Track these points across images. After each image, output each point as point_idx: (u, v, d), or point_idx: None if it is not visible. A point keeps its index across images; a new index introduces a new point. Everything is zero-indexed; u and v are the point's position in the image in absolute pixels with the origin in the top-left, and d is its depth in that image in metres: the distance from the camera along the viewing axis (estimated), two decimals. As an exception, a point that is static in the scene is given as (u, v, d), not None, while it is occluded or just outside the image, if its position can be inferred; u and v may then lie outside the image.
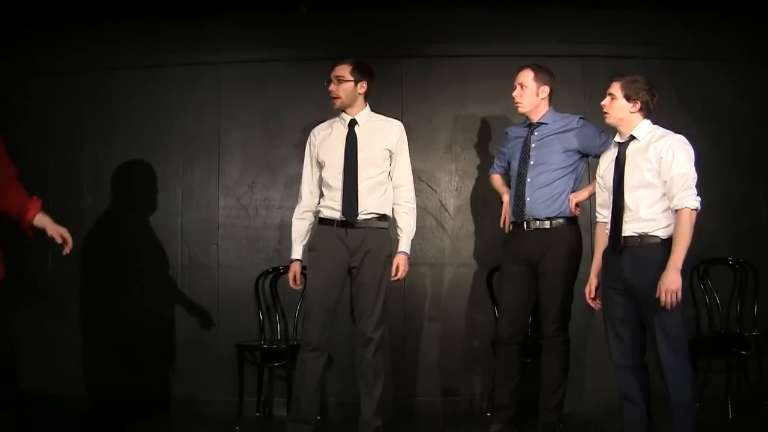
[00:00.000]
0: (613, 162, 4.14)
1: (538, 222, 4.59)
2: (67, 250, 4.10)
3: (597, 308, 4.28)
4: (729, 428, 4.97)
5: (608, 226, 4.14)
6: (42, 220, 4.08)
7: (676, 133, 4.05)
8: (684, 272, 3.83)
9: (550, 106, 4.70)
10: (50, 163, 5.88)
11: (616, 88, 4.09)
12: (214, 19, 5.86)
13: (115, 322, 5.77)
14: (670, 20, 5.72)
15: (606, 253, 4.18)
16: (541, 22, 5.71)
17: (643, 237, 3.96)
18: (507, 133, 4.95)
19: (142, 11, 5.83)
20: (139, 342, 5.80)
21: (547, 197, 4.56)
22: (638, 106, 4.06)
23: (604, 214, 4.26)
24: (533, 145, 4.66)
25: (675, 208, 3.88)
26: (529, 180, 4.62)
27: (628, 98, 4.05)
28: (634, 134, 4.08)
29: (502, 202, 4.91)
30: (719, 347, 5.37)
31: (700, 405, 5.29)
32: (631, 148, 4.08)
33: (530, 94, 4.65)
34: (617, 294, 4.06)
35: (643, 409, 4.06)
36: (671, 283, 3.77)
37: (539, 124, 4.68)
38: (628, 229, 4.00)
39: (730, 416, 5.07)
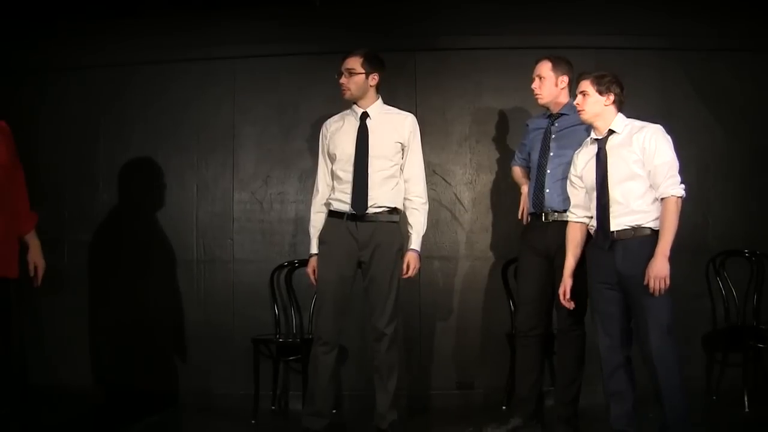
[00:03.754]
0: (593, 159, 4.16)
1: (556, 214, 4.56)
2: (35, 283, 4.05)
3: (571, 308, 4.32)
4: (745, 421, 4.94)
5: (593, 223, 4.17)
6: (32, 240, 4.07)
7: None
8: (671, 259, 3.88)
9: (570, 96, 4.68)
10: (66, 158, 5.92)
11: (586, 85, 4.15)
12: (228, 13, 5.87)
13: (130, 317, 5.81)
14: (685, 10, 5.66)
15: (593, 250, 4.21)
16: (554, 13, 5.67)
17: (636, 229, 4.00)
18: (527, 125, 4.93)
19: (156, 7, 5.85)
20: (154, 336, 5.84)
21: (566, 189, 4.54)
22: (611, 98, 4.12)
23: (578, 214, 4.31)
24: (553, 136, 4.64)
25: (661, 197, 3.95)
26: (549, 171, 4.60)
27: (600, 92, 4.12)
28: (612, 128, 4.13)
29: (521, 194, 4.91)
30: (735, 340, 5.33)
31: (717, 398, 5.32)
32: (612, 142, 4.12)
33: (549, 85, 4.63)
34: (609, 289, 4.09)
35: (631, 403, 4.11)
36: (659, 270, 3.85)
37: (560, 115, 4.66)
38: (620, 222, 4.03)
39: (747, 409, 5.03)
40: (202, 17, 5.91)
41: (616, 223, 4.03)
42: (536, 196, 4.64)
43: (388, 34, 5.81)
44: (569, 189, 4.39)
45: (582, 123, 4.50)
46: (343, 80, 4.56)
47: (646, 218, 3.98)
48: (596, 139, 4.18)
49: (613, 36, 5.65)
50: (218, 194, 5.93)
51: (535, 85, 4.68)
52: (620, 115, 4.16)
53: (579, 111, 4.20)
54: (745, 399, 5.07)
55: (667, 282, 3.84)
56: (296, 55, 5.90)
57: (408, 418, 5.08)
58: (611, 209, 4.04)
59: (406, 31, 5.85)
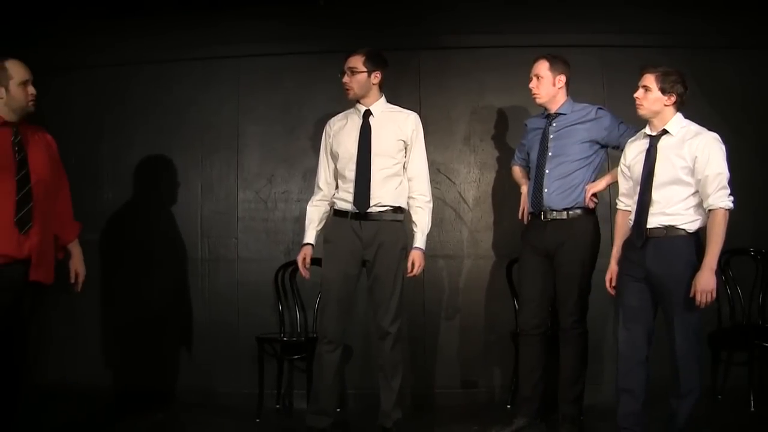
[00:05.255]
0: (643, 154, 4.12)
1: (555, 213, 4.57)
2: (76, 289, 4.29)
3: (613, 294, 4.30)
4: (751, 420, 4.93)
5: (632, 217, 4.14)
6: (74, 248, 4.31)
7: (698, 123, 4.03)
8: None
9: (567, 95, 4.69)
10: (70, 157, 5.87)
11: (650, 80, 4.06)
12: (232, 13, 5.87)
13: (134, 315, 5.83)
14: (690, 8, 5.64)
15: (627, 243, 4.18)
16: (558, 12, 5.67)
17: (668, 229, 3.97)
18: (526, 125, 4.94)
19: (160, 6, 5.86)
20: (159, 335, 5.85)
21: (564, 188, 4.54)
22: (673, 99, 4.04)
23: (626, 203, 4.28)
24: (551, 136, 4.64)
25: (709, 208, 3.90)
26: (547, 171, 4.61)
27: (663, 91, 4.03)
28: (667, 128, 4.06)
29: (521, 193, 4.91)
30: (741, 339, 5.32)
31: (722, 397, 5.31)
32: (664, 142, 4.06)
33: (546, 84, 4.63)
34: (635, 281, 4.07)
35: (641, 402, 4.08)
36: (706, 283, 3.81)
37: (557, 114, 4.67)
38: (654, 221, 4.00)
39: (752, 408, 5.03)
40: (205, 16, 5.92)
41: (651, 221, 4.01)
42: (535, 196, 4.65)
43: (391, 33, 5.80)
44: (619, 176, 4.37)
45: (578, 121, 4.52)
46: (345, 79, 4.57)
47: (681, 220, 3.96)
48: (649, 136, 4.13)
49: (617, 34, 5.63)
50: (222, 193, 5.94)
51: (532, 84, 4.69)
52: (678, 115, 4.09)
53: (638, 106, 4.12)
54: (751, 398, 5.07)
55: (714, 295, 3.82)
56: (300, 54, 5.91)
57: (412, 416, 5.08)
58: (650, 208, 4.02)
59: (409, 29, 5.85)
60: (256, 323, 5.61)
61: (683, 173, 3.95)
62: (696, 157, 3.92)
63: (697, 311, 3.90)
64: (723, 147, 3.97)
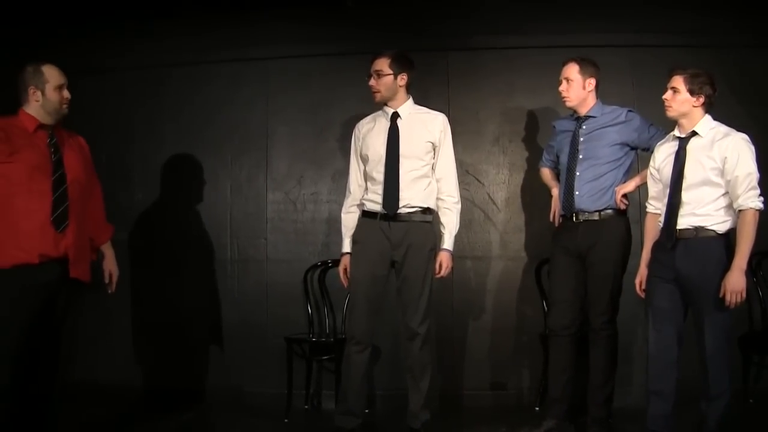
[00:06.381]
0: (673, 156, 4.10)
1: (586, 214, 4.55)
2: (110, 289, 4.41)
3: (643, 297, 4.27)
4: (783, 423, 4.90)
5: (661, 219, 4.11)
6: (107, 250, 4.43)
7: (727, 123, 4.00)
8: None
9: (597, 98, 4.66)
10: (101, 159, 5.93)
11: (679, 82, 4.04)
12: (261, 14, 5.90)
13: (164, 315, 5.88)
14: (719, 7, 5.58)
15: (657, 245, 4.16)
16: (587, 12, 5.64)
17: (698, 230, 3.95)
18: (554, 127, 4.92)
19: (189, 9, 5.90)
20: (188, 335, 5.89)
21: (596, 191, 4.53)
22: (701, 100, 4.02)
23: (655, 206, 4.27)
24: (581, 139, 4.63)
25: (739, 209, 3.89)
26: (578, 174, 4.59)
27: (692, 92, 4.01)
28: (696, 130, 4.04)
29: (551, 196, 4.90)
30: (773, 341, 5.28)
31: (753, 401, 5.25)
32: (693, 144, 4.04)
33: (577, 87, 4.61)
34: (664, 283, 4.05)
35: (670, 404, 4.05)
36: (736, 284, 3.80)
37: (587, 117, 4.65)
38: (683, 222, 3.99)
39: (784, 411, 4.99)
40: (234, 19, 5.95)
41: (680, 223, 3.99)
42: (566, 199, 4.63)
43: (420, 34, 5.80)
44: (648, 180, 4.36)
45: (608, 124, 4.50)
46: (372, 82, 4.58)
47: (710, 221, 3.94)
48: (678, 137, 4.11)
49: (647, 34, 5.58)
50: (252, 194, 5.96)
51: (562, 87, 4.67)
52: (707, 117, 4.07)
53: (666, 107, 4.11)
54: (783, 401, 5.03)
55: (744, 296, 3.80)
56: (329, 56, 5.92)
57: (440, 418, 5.06)
58: (680, 209, 4.00)
59: (438, 30, 5.84)
60: (284, 324, 5.64)
61: (713, 174, 3.93)
62: (725, 158, 3.90)
63: (728, 312, 3.87)
64: (752, 147, 3.95)
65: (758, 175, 3.91)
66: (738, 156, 3.89)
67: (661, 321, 4.07)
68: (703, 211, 3.94)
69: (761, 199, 3.88)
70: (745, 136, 3.98)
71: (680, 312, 4.05)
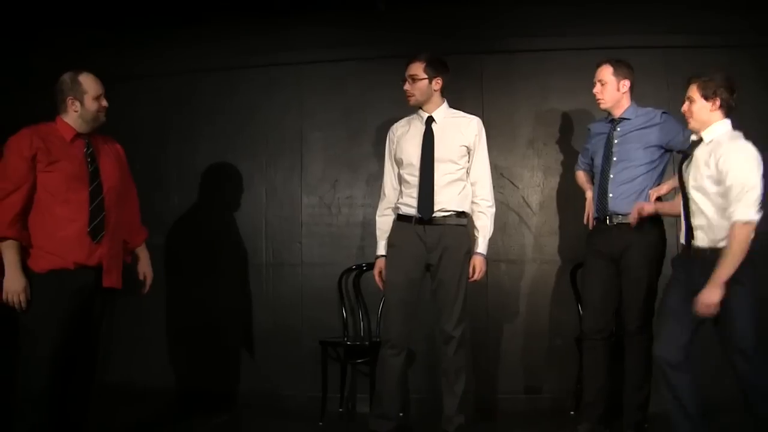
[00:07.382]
0: (688, 161, 4.01)
1: (621, 217, 4.52)
2: (144, 290, 4.44)
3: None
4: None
5: (683, 222, 4.03)
6: (142, 252, 4.47)
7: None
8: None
9: (631, 100, 4.63)
10: (137, 164, 5.97)
11: (693, 90, 3.92)
12: (294, 19, 5.93)
13: (200, 318, 5.93)
14: (755, 6, 5.48)
15: (677, 255, 4.13)
16: (621, 13, 5.59)
17: (713, 251, 3.80)
18: (589, 129, 4.90)
19: (223, 14, 5.95)
20: (223, 338, 5.94)
21: (630, 193, 4.49)
22: (717, 103, 3.86)
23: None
24: (616, 141, 4.60)
25: (730, 221, 3.72)
26: (612, 176, 4.56)
27: (705, 98, 3.87)
28: (703, 135, 3.92)
29: (586, 199, 4.87)
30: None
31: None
32: (699, 150, 3.93)
33: (611, 89, 4.59)
34: (680, 285, 3.95)
35: (692, 408, 3.88)
36: (707, 297, 3.68)
37: (621, 119, 4.62)
38: (700, 237, 3.87)
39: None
40: (268, 23, 5.99)
41: (697, 237, 3.89)
42: (600, 201, 4.61)
43: (453, 37, 5.80)
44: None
45: (642, 126, 4.46)
46: (407, 86, 4.58)
47: (722, 234, 3.78)
48: (693, 142, 4.01)
49: (681, 35, 5.51)
50: (286, 198, 5.99)
51: (596, 90, 4.64)
52: (723, 122, 3.90)
53: (687, 119, 3.99)
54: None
55: (715, 311, 3.68)
56: (362, 60, 5.94)
57: (475, 421, 5.06)
58: (692, 219, 3.91)
59: (471, 33, 5.83)
60: (319, 327, 5.65)
61: (709, 183, 3.80)
62: (719, 167, 3.75)
63: (753, 332, 3.72)
64: (750, 156, 3.74)
65: (754, 184, 3.69)
66: (730, 165, 3.71)
67: (666, 323, 3.98)
68: (717, 223, 3.80)
69: (753, 210, 3.67)
70: (743, 145, 3.79)
71: (686, 327, 3.90)
